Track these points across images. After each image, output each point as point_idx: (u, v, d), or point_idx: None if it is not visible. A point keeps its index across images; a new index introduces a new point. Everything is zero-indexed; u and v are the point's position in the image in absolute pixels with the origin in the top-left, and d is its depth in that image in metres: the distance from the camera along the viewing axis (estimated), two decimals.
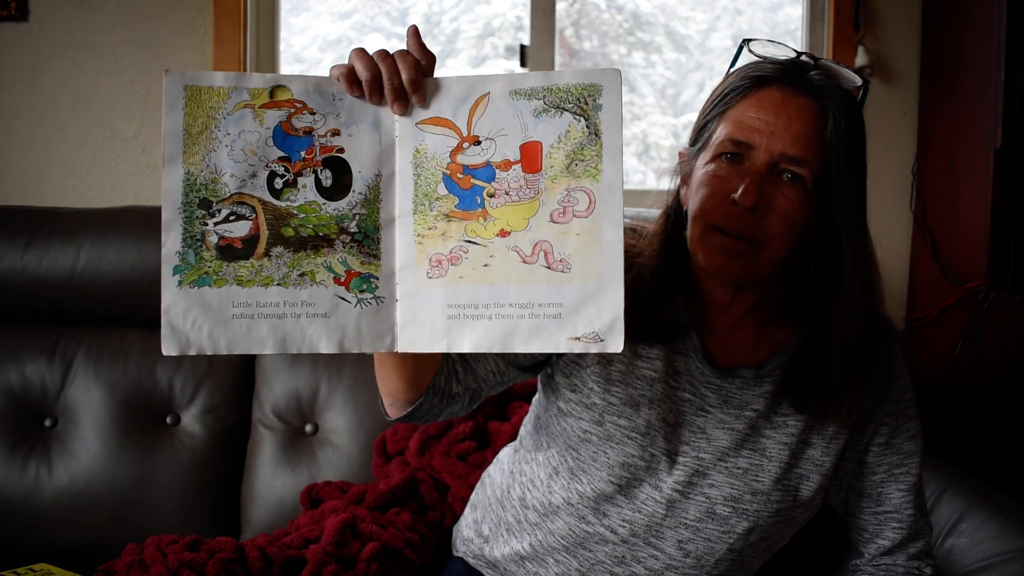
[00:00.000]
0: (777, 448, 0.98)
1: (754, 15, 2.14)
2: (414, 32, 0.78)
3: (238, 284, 0.76)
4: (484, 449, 1.42)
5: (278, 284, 0.76)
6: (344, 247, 0.77)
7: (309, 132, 0.77)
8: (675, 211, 1.02)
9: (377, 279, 0.78)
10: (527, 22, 2.02)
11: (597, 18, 2.13)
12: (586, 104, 0.76)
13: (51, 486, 1.51)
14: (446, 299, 0.77)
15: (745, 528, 0.97)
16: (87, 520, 1.50)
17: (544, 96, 0.76)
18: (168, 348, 0.75)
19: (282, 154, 0.77)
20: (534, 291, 0.76)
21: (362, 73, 0.76)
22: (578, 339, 0.76)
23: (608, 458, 0.98)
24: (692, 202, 0.95)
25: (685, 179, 1.00)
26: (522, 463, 1.10)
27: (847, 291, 0.93)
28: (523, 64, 2.02)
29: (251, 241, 0.76)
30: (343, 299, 0.77)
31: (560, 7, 2.03)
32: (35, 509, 1.50)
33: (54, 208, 1.69)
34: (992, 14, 1.65)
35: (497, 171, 0.77)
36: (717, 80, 1.01)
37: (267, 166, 0.76)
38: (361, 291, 0.77)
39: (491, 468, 1.20)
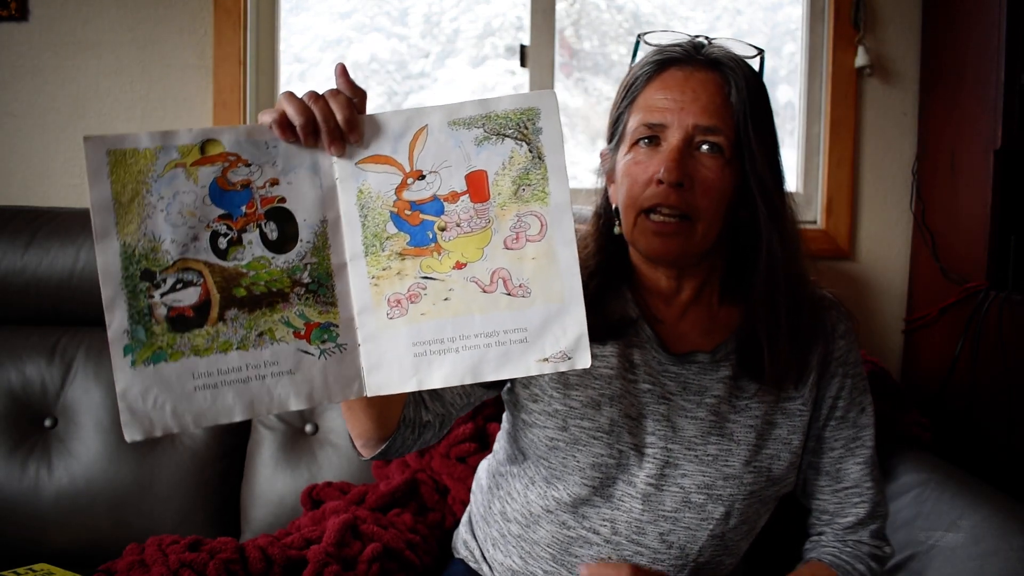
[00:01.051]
0: (744, 432, 1.00)
1: (754, 15, 2.13)
2: (342, 71, 0.77)
3: (196, 354, 0.72)
4: (484, 451, 1.42)
5: (237, 348, 0.73)
6: (300, 299, 0.75)
7: (247, 185, 0.74)
8: (605, 210, 1.05)
9: (337, 327, 0.76)
10: (527, 22, 2.02)
11: (597, 18, 2.12)
12: (526, 128, 0.75)
13: (51, 486, 1.51)
14: (410, 337, 0.76)
15: (722, 513, 0.99)
16: (87, 520, 1.50)
17: (483, 124, 0.76)
18: (131, 434, 0.70)
19: (222, 212, 0.73)
20: (498, 319, 0.76)
21: (295, 118, 0.73)
22: (546, 360, 0.76)
23: (578, 461, 0.99)
24: (620, 194, 0.98)
25: (610, 177, 1.02)
26: (498, 477, 1.12)
27: (765, 248, 0.96)
28: (523, 64, 2.02)
29: (203, 308, 0.72)
30: (306, 352, 0.75)
31: (560, 7, 2.03)
32: (35, 509, 1.50)
33: (54, 208, 1.69)
34: (992, 14, 1.65)
35: (445, 204, 0.76)
36: None
37: (208, 226, 0.72)
38: (323, 341, 0.76)
39: (473, 484, 1.21)
